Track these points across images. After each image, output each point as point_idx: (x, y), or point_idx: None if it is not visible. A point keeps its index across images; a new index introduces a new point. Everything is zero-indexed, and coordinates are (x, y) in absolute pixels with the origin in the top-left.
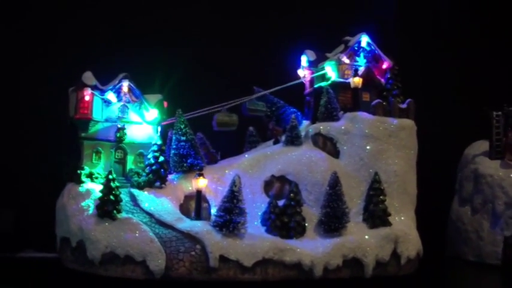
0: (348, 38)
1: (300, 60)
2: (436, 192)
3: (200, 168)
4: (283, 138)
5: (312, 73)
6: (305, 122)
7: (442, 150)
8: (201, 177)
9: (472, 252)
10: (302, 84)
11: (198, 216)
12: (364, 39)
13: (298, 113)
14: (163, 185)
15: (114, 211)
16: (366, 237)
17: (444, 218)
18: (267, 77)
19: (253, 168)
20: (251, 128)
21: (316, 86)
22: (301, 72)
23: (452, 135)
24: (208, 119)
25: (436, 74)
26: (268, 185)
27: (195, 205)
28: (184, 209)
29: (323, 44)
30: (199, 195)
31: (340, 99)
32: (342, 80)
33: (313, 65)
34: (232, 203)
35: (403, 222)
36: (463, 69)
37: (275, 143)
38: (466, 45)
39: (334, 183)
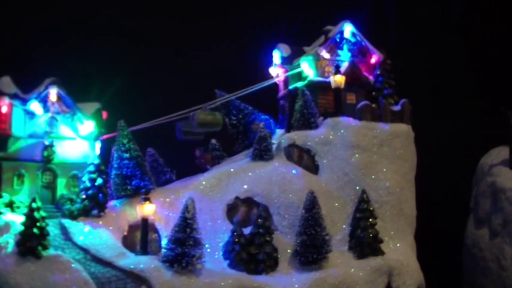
0: (328, 27)
1: (271, 57)
2: (445, 212)
3: (147, 191)
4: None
5: (286, 71)
6: (279, 131)
7: (451, 160)
8: (148, 202)
9: (492, 285)
10: (275, 86)
11: (144, 250)
12: (348, 29)
13: (271, 121)
14: (102, 213)
15: (39, 247)
16: (353, 270)
17: (457, 244)
18: (231, 77)
19: (214, 189)
20: (214, 141)
21: (291, 87)
22: (273, 71)
23: (463, 142)
24: (160, 131)
25: (439, 68)
26: (231, 210)
27: (140, 236)
28: (128, 242)
29: (301, 36)
30: (145, 224)
31: (319, 103)
32: (321, 78)
33: (288, 61)
34: (185, 233)
35: (399, 250)
36: (473, 61)
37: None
38: (477, 32)
39: (311, 205)
